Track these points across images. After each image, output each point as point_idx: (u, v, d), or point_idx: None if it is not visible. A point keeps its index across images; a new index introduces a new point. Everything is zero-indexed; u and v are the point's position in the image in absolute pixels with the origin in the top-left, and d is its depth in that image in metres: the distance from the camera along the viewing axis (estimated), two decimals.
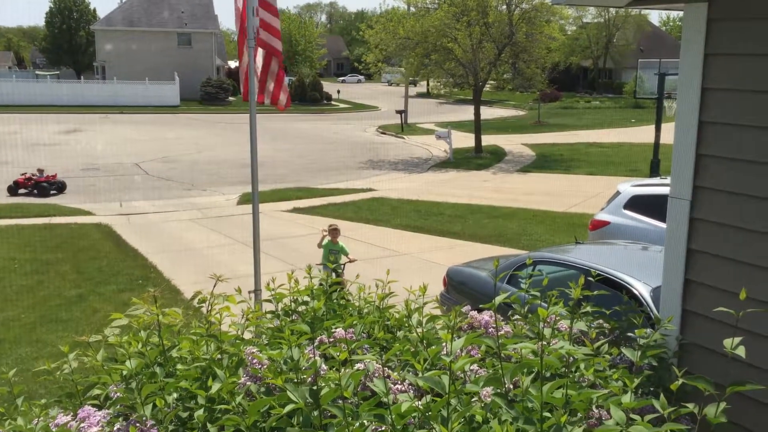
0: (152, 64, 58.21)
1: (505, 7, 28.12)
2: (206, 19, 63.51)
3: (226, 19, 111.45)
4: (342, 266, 9.38)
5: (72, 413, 2.06)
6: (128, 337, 2.25)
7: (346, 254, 9.92)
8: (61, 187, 20.60)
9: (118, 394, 2.11)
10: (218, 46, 67.35)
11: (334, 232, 10.05)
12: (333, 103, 62.06)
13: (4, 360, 8.44)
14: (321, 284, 2.91)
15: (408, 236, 15.22)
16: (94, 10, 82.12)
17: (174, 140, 33.90)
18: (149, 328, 2.36)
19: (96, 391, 2.18)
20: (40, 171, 20.42)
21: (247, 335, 2.72)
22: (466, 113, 44.58)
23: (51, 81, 60.04)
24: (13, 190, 20.00)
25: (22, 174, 20.31)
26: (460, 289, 8.31)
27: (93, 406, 1.98)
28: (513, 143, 33.00)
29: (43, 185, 19.95)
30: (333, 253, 9.74)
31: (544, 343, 2.01)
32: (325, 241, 10.02)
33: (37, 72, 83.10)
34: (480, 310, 3.00)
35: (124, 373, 2.13)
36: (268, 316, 2.80)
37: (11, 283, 11.63)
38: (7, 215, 16.74)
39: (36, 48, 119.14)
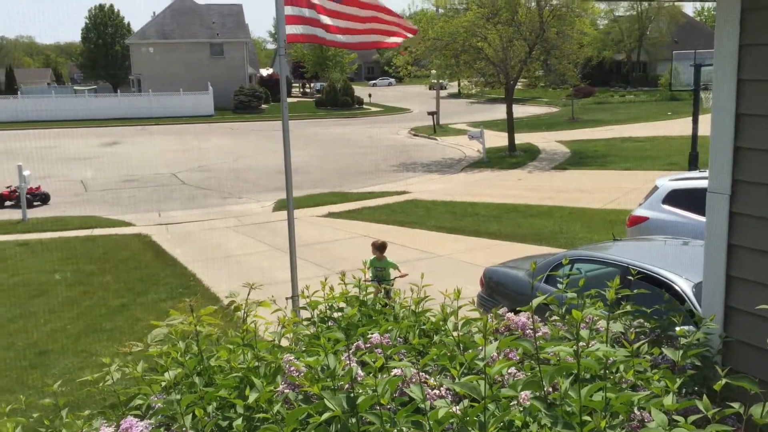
0: (186, 75, 59.14)
1: (534, 4, 27.88)
2: (237, 28, 64.27)
3: (257, 28, 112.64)
4: (391, 283, 8.48)
5: (115, 424, 2.10)
6: (167, 348, 2.28)
7: (396, 268, 9.21)
8: (44, 199, 20.93)
9: (159, 404, 2.14)
10: (250, 54, 68.12)
11: (377, 248, 9.30)
12: (364, 107, 62.23)
13: (50, 371, 8.64)
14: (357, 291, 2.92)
15: (443, 237, 15.18)
16: (129, 24, 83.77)
17: (209, 149, 34.36)
18: (188, 337, 2.39)
19: (137, 402, 2.22)
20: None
21: (285, 342, 2.74)
22: (498, 112, 44.31)
23: (89, 95, 61.35)
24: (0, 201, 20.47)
25: (7, 187, 20.67)
26: (498, 289, 8.26)
27: (135, 416, 2.02)
28: (547, 141, 32.69)
29: (27, 197, 19.85)
30: (379, 270, 9.14)
31: (582, 345, 1.98)
32: (370, 258, 9.27)
33: (75, 87, 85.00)
34: (517, 312, 2.97)
35: (164, 383, 2.17)
36: (305, 323, 2.82)
37: (56, 294, 11.89)
38: (50, 228, 17.13)
39: (73, 63, 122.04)
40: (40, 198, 20.85)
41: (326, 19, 7.34)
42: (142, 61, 61.33)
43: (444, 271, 12.11)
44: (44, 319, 10.64)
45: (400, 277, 8.92)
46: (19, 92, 66.54)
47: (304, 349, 2.59)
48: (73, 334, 10.01)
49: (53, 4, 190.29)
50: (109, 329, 10.12)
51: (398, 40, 7.91)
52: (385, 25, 7.71)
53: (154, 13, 66.42)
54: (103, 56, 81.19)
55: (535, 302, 2.17)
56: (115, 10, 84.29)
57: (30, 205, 20.05)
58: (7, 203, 20.43)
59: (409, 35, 8.03)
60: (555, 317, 2.94)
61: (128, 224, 17.66)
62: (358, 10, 7.52)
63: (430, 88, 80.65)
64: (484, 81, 31.16)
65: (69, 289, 12.17)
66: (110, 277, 12.88)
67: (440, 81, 68.72)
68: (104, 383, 2.29)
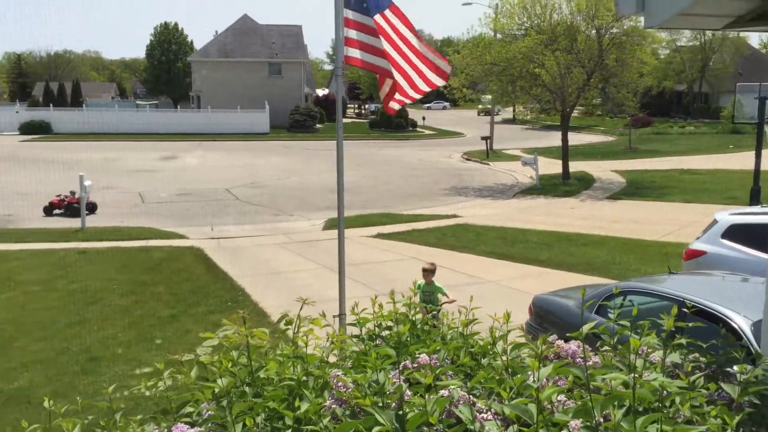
0: (244, 92, 60.40)
1: (594, 32, 27.65)
2: (296, 49, 65.47)
3: (315, 49, 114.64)
4: (439, 309, 8.24)
5: (166, 429, 2.13)
6: (219, 357, 2.32)
7: (444, 294, 9.02)
8: (92, 208, 21.21)
9: (210, 412, 2.17)
10: (307, 75, 69.29)
11: (426, 272, 9.13)
12: (418, 129, 62.49)
13: (101, 377, 8.84)
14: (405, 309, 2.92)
15: (493, 263, 15.05)
16: (192, 42, 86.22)
17: (263, 166, 34.94)
18: (238, 348, 2.43)
19: (188, 409, 2.25)
20: (72, 193, 21.22)
21: (332, 359, 2.75)
22: (553, 139, 43.91)
23: (150, 110, 63.27)
24: (48, 210, 21.15)
25: (57, 196, 21.37)
26: (547, 318, 8.14)
27: (185, 423, 2.05)
28: (602, 170, 32.21)
29: (74, 206, 20.66)
30: (427, 294, 8.93)
31: (636, 375, 1.93)
32: (419, 282, 9.06)
33: (137, 102, 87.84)
34: (567, 340, 2.93)
35: (216, 391, 2.20)
36: (353, 339, 2.83)
37: (110, 303, 12.20)
38: (108, 238, 17.62)
39: (137, 79, 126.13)
40: (88, 207, 21.03)
41: (385, 46, 7.46)
42: (202, 78, 62.97)
43: (492, 297, 12.00)
44: (97, 326, 10.91)
45: (448, 302, 8.69)
46: (84, 105, 69.02)
47: (350, 365, 2.60)
48: (124, 342, 10.24)
49: (121, 21, 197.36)
50: (158, 339, 10.32)
51: (427, 88, 8.03)
52: (428, 69, 7.87)
53: (216, 31, 68.31)
54: (165, 72, 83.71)
55: (586, 328, 2.13)
56: (180, 29, 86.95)
57: (77, 214, 20.47)
58: (56, 211, 21.17)
59: (440, 83, 8.14)
60: (606, 347, 2.88)
61: (182, 237, 18.03)
62: (411, 53, 7.69)
63: (478, 114, 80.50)
64: (539, 107, 30.95)
65: (122, 298, 12.47)
66: (162, 287, 13.15)
67: (491, 106, 68.72)
68: (156, 389, 2.33)
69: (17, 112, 58.70)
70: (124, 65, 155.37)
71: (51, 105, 63.93)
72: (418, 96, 8.09)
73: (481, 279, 13.56)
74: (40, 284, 13.37)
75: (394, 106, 8.02)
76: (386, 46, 7.48)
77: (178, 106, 69.99)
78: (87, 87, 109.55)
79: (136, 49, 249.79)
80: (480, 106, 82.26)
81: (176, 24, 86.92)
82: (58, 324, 11.05)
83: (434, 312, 3.47)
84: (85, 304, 12.11)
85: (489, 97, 75.29)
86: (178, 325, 10.99)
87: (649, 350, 2.57)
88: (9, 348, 9.99)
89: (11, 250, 16.37)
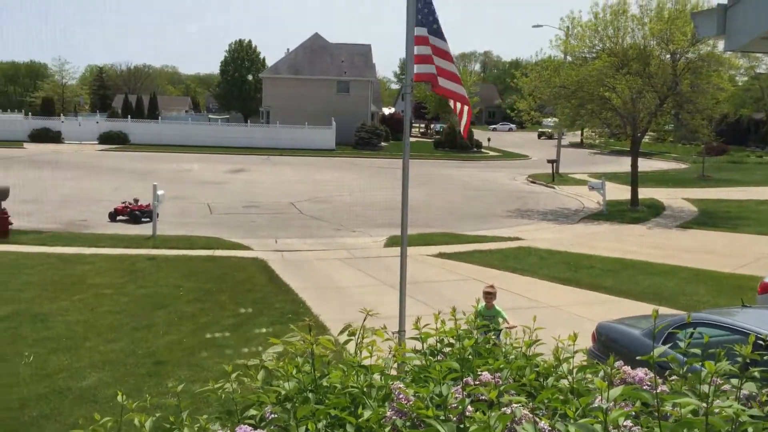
0: (312, 109, 61.46)
1: (668, 56, 27.03)
2: (364, 67, 66.29)
3: (383, 68, 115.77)
4: (497, 334, 7.85)
5: (230, 430, 2.19)
6: (284, 363, 2.37)
7: (505, 319, 8.71)
8: (151, 215, 21.53)
9: (274, 414, 2.22)
10: (374, 93, 70.01)
11: (487, 296, 8.90)
12: (483, 150, 62.23)
13: (165, 380, 9.07)
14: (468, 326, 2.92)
15: (556, 288, 14.79)
16: (264, 59, 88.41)
17: (328, 182, 35.38)
18: (303, 355, 2.47)
19: (252, 412, 2.30)
20: (135, 200, 22.39)
21: (391, 373, 2.77)
22: (622, 165, 42.99)
23: (221, 124, 65.07)
24: (113, 216, 22.14)
25: (123, 202, 22.39)
26: (611, 346, 7.95)
27: (249, 425, 2.09)
28: (673, 197, 31.32)
29: (135, 213, 21.87)
30: (487, 319, 8.36)
31: (708, 402, 1.87)
32: (479, 307, 8.68)
33: (209, 116, 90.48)
34: (633, 368, 2.86)
35: (282, 393, 2.24)
36: (415, 353, 2.84)
37: (176, 309, 12.53)
38: (177, 246, 18.13)
39: (210, 94, 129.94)
40: (147, 215, 22.02)
41: (444, 65, 7.52)
42: (272, 94, 64.40)
43: (554, 322, 11.78)
44: (163, 331, 11.22)
45: (508, 328, 8.48)
46: (160, 117, 71.55)
47: (410, 379, 2.61)
48: (188, 347, 10.49)
49: (198, 38, 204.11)
50: (221, 346, 10.53)
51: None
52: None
53: (288, 49, 69.83)
54: (237, 88, 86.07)
55: (657, 351, 2.08)
56: (253, 46, 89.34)
57: (138, 221, 21.82)
58: (120, 218, 22.13)
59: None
60: (675, 376, 2.80)
61: (246, 248, 18.39)
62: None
63: (539, 137, 79.40)
64: (609, 132, 30.37)
65: (188, 305, 12.79)
66: (226, 296, 13.43)
67: (551, 130, 67.79)
68: (223, 391, 2.39)
69: (97, 122, 61.30)
70: (198, 80, 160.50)
71: (129, 116, 66.51)
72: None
73: (542, 303, 13.35)
74: (111, 288, 13.85)
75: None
76: (452, 71, 7.56)
77: (248, 121, 71.75)
78: (163, 100, 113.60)
79: (211, 65, 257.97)
80: (540, 130, 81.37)
81: (250, 41, 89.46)
82: (126, 327, 11.41)
83: (495, 335, 3.44)
84: (153, 308, 12.48)
85: (550, 120, 74.47)
86: (240, 333, 11.19)
87: (722, 381, 2.49)
88: (80, 348, 10.36)
89: (85, 254, 17.03)
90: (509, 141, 76.65)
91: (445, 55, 7.41)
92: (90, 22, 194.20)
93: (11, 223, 18.87)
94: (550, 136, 78.60)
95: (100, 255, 16.92)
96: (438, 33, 7.35)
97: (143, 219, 21.84)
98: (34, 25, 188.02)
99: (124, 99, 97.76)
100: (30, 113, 66.55)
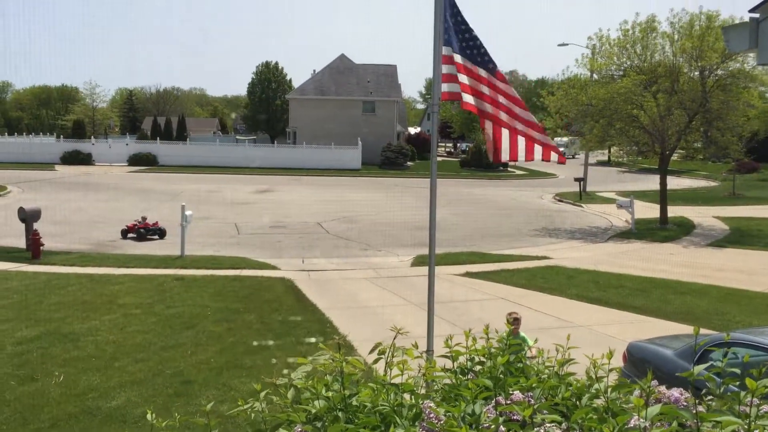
0: (338, 129, 61.90)
1: (698, 73, 26.75)
2: (390, 88, 66.65)
3: (409, 88, 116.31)
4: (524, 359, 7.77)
5: None
6: (313, 381, 2.35)
7: (531, 347, 8.40)
8: (161, 234, 23.26)
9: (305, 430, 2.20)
10: (400, 113, 70.28)
11: (514, 322, 8.60)
12: (509, 169, 62.02)
13: (193, 400, 9.09)
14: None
15: (584, 307, 14.60)
16: (290, 80, 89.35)
17: (354, 202, 35.47)
18: (332, 374, 2.45)
19: (282, 431, 2.28)
20: (143, 218, 23.44)
21: (421, 392, 2.73)
22: (651, 182, 42.52)
23: (249, 145, 65.77)
24: (125, 233, 23.27)
25: (135, 220, 23.41)
26: (642, 366, 7.80)
27: None
28: (703, 215, 30.85)
29: (141, 231, 22.94)
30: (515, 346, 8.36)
31: (750, 422, 1.82)
32: (505, 332, 8.48)
33: (237, 137, 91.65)
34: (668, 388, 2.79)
35: (312, 412, 2.22)
36: (445, 372, 2.80)
37: (204, 329, 12.58)
38: (204, 266, 18.25)
39: (238, 115, 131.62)
40: (157, 233, 23.36)
41: (483, 89, 7.50)
42: (298, 114, 64.98)
43: (584, 342, 11.59)
44: (191, 351, 11.26)
45: (532, 357, 8.29)
46: (188, 139, 72.53)
47: (440, 398, 2.57)
48: (215, 367, 10.51)
49: (226, 60, 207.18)
50: (248, 366, 10.54)
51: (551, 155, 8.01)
52: (536, 133, 7.86)
53: (314, 70, 70.49)
54: (264, 109, 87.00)
55: (697, 369, 2.03)
56: (280, 68, 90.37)
57: (144, 239, 22.80)
58: (130, 235, 23.12)
59: (554, 157, 8.13)
60: (711, 397, 2.73)
61: (274, 268, 18.45)
62: (516, 108, 7.67)
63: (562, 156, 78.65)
64: (637, 150, 30.06)
65: (215, 325, 12.84)
66: (253, 316, 13.46)
67: (565, 149, 66.98)
68: (252, 409, 2.38)
69: (127, 144, 62.37)
70: (226, 102, 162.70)
71: (158, 138, 67.54)
72: (530, 158, 8.12)
73: (571, 323, 13.17)
74: (139, 308, 13.96)
75: (504, 156, 8.03)
76: (489, 96, 7.51)
77: (275, 142, 72.42)
78: (191, 122, 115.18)
79: (239, 87, 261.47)
80: (564, 149, 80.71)
81: (276, 63, 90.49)
82: (154, 347, 11.48)
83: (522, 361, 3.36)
84: (181, 328, 12.55)
85: (563, 139, 73.87)
86: (267, 353, 11.19)
87: (760, 401, 2.42)
88: (109, 368, 10.44)
89: (115, 274, 17.22)
90: (536, 159, 76.25)
91: (474, 74, 7.39)
92: (120, 46, 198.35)
93: (43, 245, 19.17)
94: (572, 155, 77.93)
95: (129, 275, 17.10)
96: (465, 52, 7.36)
97: (148, 236, 22.98)
98: (66, 50, 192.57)
99: (153, 121, 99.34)
100: (62, 136, 67.96)
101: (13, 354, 11.00)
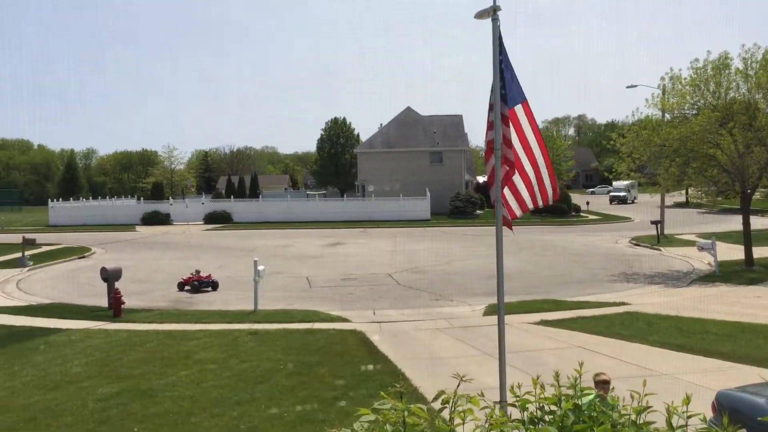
0: (406, 180, 62.34)
1: None
2: (456, 137, 66.92)
3: (476, 137, 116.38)
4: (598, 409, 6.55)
5: None
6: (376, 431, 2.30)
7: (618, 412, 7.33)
8: (214, 286, 24.34)
9: None
10: (467, 162, 70.30)
11: (601, 385, 7.40)
12: (582, 214, 60.77)
13: None
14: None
15: (667, 355, 13.95)
16: (358, 135, 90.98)
17: (424, 252, 35.36)
18: (395, 424, 2.39)
19: None
20: (197, 272, 24.61)
21: None
22: (733, 223, 40.89)
23: (319, 199, 66.94)
24: (181, 286, 24.27)
25: (191, 274, 24.52)
26: (733, 416, 7.33)
27: None
28: None
29: (194, 283, 24.02)
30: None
31: None
32: (590, 398, 7.12)
33: (307, 192, 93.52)
34: None
35: None
36: (513, 422, 2.69)
37: (277, 383, 12.62)
38: (277, 320, 18.43)
39: (307, 171, 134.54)
40: (210, 285, 24.35)
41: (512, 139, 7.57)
42: (367, 168, 65.89)
43: (668, 391, 10.97)
44: (265, 405, 11.30)
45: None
46: (260, 196, 74.47)
47: None
48: (289, 421, 10.50)
49: (296, 118, 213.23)
50: (321, 420, 10.47)
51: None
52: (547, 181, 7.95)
53: (381, 124, 71.65)
54: (333, 164, 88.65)
55: None
56: (348, 123, 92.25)
57: (198, 291, 23.86)
58: (186, 288, 24.11)
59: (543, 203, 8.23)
60: None
61: (345, 320, 18.46)
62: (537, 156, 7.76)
63: (611, 203, 76.09)
64: (716, 189, 28.98)
65: (288, 378, 12.87)
66: (326, 369, 13.44)
67: (625, 194, 64.81)
68: None
69: (203, 203, 64.46)
70: (296, 158, 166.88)
71: (232, 196, 69.68)
72: (526, 210, 8.26)
73: (653, 371, 12.58)
74: (215, 363, 14.17)
75: (516, 211, 8.09)
76: (513, 139, 7.55)
77: (345, 195, 73.48)
78: (264, 179, 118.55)
79: (308, 144, 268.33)
80: (612, 194, 78.38)
81: (344, 119, 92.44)
82: (229, 401, 11.58)
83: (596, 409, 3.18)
84: (255, 383, 12.64)
85: (622, 183, 71.38)
86: (339, 407, 11.11)
87: None
88: (186, 423, 10.57)
89: (191, 330, 17.59)
90: (609, 203, 74.66)
91: (506, 120, 7.46)
92: (196, 110, 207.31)
93: (124, 303, 19.82)
94: (623, 200, 75.70)
95: (205, 330, 17.43)
96: (505, 100, 7.40)
97: (202, 288, 24.06)
98: (145, 117, 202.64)
99: (228, 180, 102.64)
100: (142, 198, 71.00)
101: (94, 410, 11.29)
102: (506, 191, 7.73)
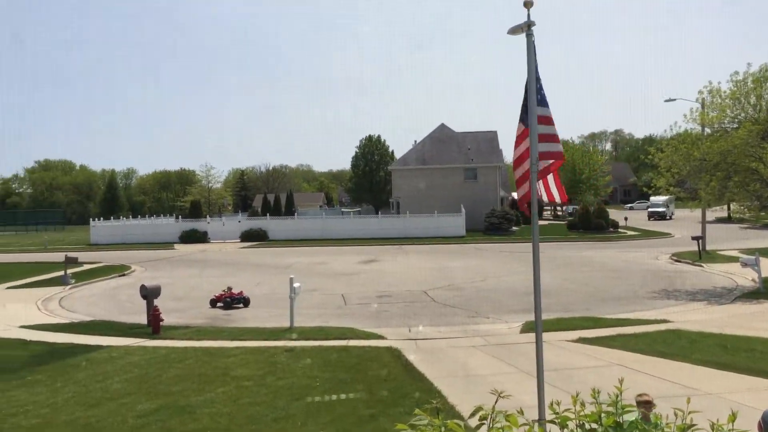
0: (441, 197, 62.29)
1: None
2: (491, 153, 66.70)
3: (510, 153, 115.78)
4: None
5: None
6: None
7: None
8: (246, 302, 24.79)
9: None
10: (502, 178, 69.95)
11: (645, 405, 6.93)
12: (620, 230, 59.89)
13: None
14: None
15: (711, 373, 13.59)
16: (392, 152, 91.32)
17: (459, 269, 35.17)
18: None
19: None
20: (229, 288, 25.22)
21: None
22: None
23: (353, 217, 67.19)
24: (213, 303, 24.83)
25: (223, 290, 25.18)
26: None
27: None
28: None
29: (227, 300, 24.51)
30: None
31: None
32: (631, 416, 6.71)
33: (342, 209, 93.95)
34: None
35: None
36: None
37: (313, 399, 12.60)
38: (313, 337, 18.47)
39: (342, 188, 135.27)
40: (241, 301, 24.82)
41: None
42: (401, 184, 66.02)
43: (710, 409, 10.68)
44: (301, 422, 11.29)
45: None
46: (296, 213, 75.05)
47: None
48: None
49: (331, 136, 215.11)
50: None
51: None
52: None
53: (415, 141, 71.87)
54: (368, 181, 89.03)
55: None
56: (382, 140, 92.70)
57: (230, 307, 24.28)
58: (219, 304, 24.64)
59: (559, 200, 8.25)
60: None
61: (380, 337, 18.41)
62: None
63: (649, 219, 74.28)
64: (759, 204, 28.33)
65: (324, 395, 12.85)
66: (361, 386, 13.40)
67: (663, 209, 63.02)
68: None
69: (239, 221, 65.25)
70: (331, 176, 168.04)
71: (267, 214, 70.29)
72: (552, 199, 8.31)
73: (697, 390, 12.26)
74: (251, 379, 14.23)
75: (553, 195, 8.10)
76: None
77: (379, 212, 73.62)
78: (299, 197, 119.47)
79: (343, 161, 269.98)
80: (651, 209, 76.31)
81: (379, 136, 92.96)
82: (266, 418, 11.60)
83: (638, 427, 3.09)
84: (291, 399, 12.65)
85: (660, 198, 69.95)
86: (376, 424, 11.05)
87: None
88: None
89: (229, 347, 17.71)
90: (647, 219, 73.47)
91: (549, 120, 7.46)
92: (233, 130, 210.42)
93: (162, 320, 20.08)
94: (662, 216, 73.90)
95: (241, 347, 17.53)
96: (543, 102, 7.37)
97: (234, 305, 24.48)
98: (184, 137, 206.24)
99: (263, 198, 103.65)
100: (180, 216, 72.09)
101: (134, 427, 11.41)
102: (550, 178, 7.76)
